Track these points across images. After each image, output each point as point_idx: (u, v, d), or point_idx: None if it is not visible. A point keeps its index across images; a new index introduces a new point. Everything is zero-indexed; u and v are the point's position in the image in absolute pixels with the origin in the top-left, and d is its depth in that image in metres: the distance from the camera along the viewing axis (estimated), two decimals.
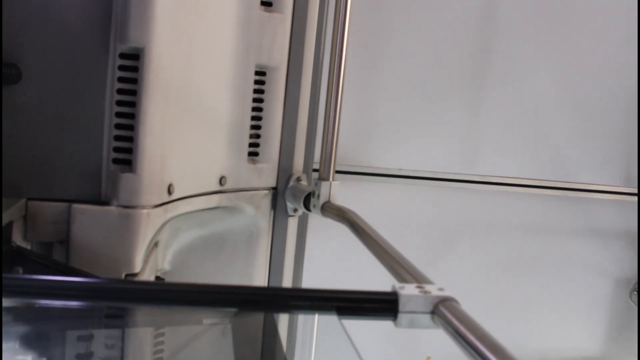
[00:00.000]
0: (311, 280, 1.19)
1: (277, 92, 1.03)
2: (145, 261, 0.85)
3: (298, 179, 1.07)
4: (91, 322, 0.73)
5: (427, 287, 0.52)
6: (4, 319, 0.61)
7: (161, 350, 0.73)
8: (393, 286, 0.52)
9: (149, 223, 0.82)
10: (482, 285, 1.55)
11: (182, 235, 0.99)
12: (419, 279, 0.58)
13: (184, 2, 0.83)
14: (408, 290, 0.51)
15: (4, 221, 0.70)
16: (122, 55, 0.79)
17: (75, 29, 0.79)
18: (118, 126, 0.81)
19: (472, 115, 1.48)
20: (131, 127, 0.80)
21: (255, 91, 1.00)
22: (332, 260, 1.40)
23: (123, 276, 0.81)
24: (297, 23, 1.03)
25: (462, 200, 1.51)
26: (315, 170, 1.08)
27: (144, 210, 0.81)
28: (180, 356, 0.76)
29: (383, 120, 1.43)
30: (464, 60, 1.45)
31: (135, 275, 0.82)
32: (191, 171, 0.91)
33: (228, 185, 0.99)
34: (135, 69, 0.79)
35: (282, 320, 0.80)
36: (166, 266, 0.99)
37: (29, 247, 0.79)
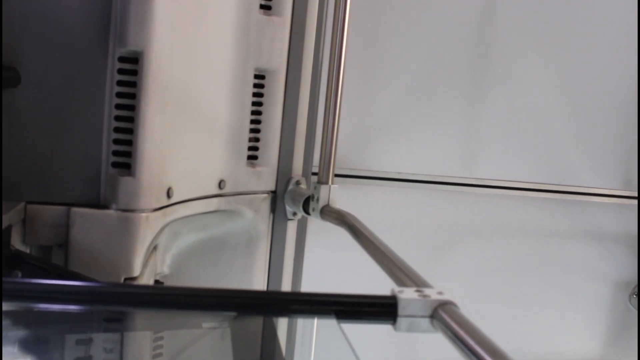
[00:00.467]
0: (310, 284, 1.19)
1: (276, 96, 1.03)
2: (145, 265, 0.85)
3: (297, 183, 1.07)
4: (90, 326, 0.73)
5: (426, 291, 0.52)
6: (3, 323, 0.61)
7: (160, 354, 0.73)
8: (392, 290, 0.52)
9: (148, 227, 0.82)
10: (482, 288, 1.55)
11: (181, 239, 0.99)
12: (418, 283, 0.58)
13: (183, 5, 0.83)
14: (407, 294, 0.51)
15: (3, 225, 0.70)
16: (121, 59, 0.79)
17: (74, 33, 0.79)
18: (117, 130, 0.81)
19: (470, 119, 1.48)
20: (130, 131, 0.80)
21: (255, 94, 1.00)
22: (331, 264, 1.40)
23: (122, 280, 0.81)
24: (296, 26, 1.03)
25: (461, 203, 1.51)
26: (314, 173, 1.08)
27: (143, 214, 0.81)
28: None
29: (382, 123, 1.43)
30: (463, 63, 1.45)
31: (134, 279, 0.82)
32: (190, 175, 0.91)
33: (227, 189, 0.99)
34: (134, 73, 0.79)
35: (282, 324, 0.80)
36: (165, 270, 0.99)
37: (27, 251, 0.79)
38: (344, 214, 0.91)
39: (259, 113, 1.02)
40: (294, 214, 1.09)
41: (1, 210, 0.71)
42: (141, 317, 0.77)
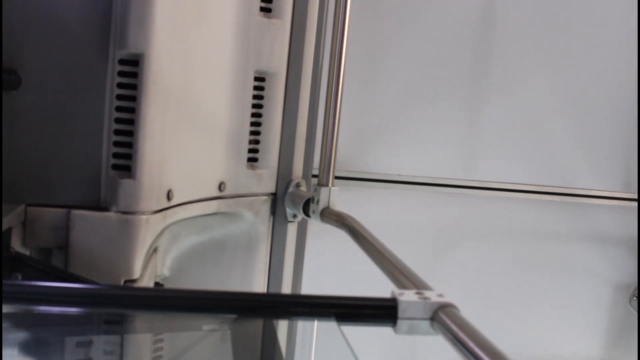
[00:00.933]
0: (310, 286, 1.19)
1: (276, 98, 1.03)
2: (145, 267, 0.85)
3: (297, 185, 1.07)
4: (90, 328, 0.73)
5: (427, 293, 0.52)
6: (3, 325, 0.61)
7: (160, 357, 0.73)
8: (392, 292, 0.52)
9: (148, 229, 0.82)
10: (482, 290, 1.55)
11: (181, 241, 0.99)
12: (418, 285, 0.58)
13: (183, 8, 0.83)
14: (407, 296, 0.51)
15: (3, 227, 0.70)
16: (122, 61, 0.80)
17: (74, 35, 0.79)
18: (117, 132, 0.81)
19: (471, 121, 1.48)
20: (130, 133, 0.80)
21: (255, 97, 1.00)
22: (331, 266, 1.40)
23: (122, 282, 0.81)
24: (296, 29, 1.03)
25: (461, 205, 1.51)
26: (314, 176, 1.08)
27: (143, 216, 0.81)
28: None
29: (382, 125, 1.43)
30: (463, 66, 1.45)
31: (134, 281, 0.82)
32: (190, 177, 0.91)
33: (227, 191, 0.99)
34: (134, 75, 0.80)
35: (282, 326, 0.80)
36: (165, 272, 0.99)
37: (27, 253, 0.79)
38: (344, 216, 0.91)
39: (259, 115, 1.02)
40: (294, 216, 1.09)
41: (1, 213, 0.71)
42: (141, 320, 0.77)
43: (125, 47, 0.79)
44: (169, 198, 0.86)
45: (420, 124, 1.45)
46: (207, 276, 1.04)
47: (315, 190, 1.01)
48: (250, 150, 1.02)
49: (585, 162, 1.56)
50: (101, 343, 0.73)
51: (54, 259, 0.81)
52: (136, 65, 0.79)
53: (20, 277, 0.72)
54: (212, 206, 0.97)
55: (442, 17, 1.42)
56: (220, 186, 0.97)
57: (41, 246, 0.81)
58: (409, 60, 1.42)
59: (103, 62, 0.79)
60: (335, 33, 1.01)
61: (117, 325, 0.77)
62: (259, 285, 1.08)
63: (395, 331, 0.51)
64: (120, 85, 0.80)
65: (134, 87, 0.80)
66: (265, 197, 1.05)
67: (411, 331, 0.51)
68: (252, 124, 1.01)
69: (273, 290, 1.09)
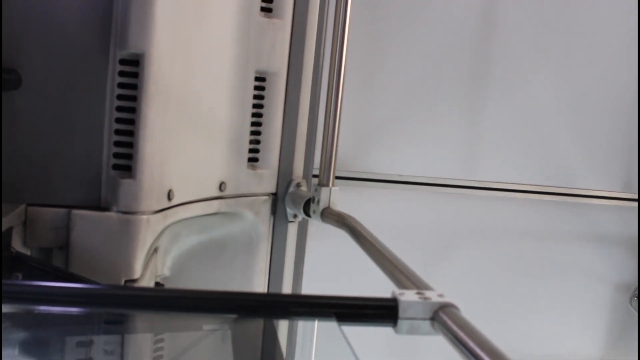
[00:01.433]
0: (311, 286, 1.19)
1: (276, 98, 1.03)
2: (145, 267, 0.85)
3: (298, 185, 1.07)
4: (90, 328, 0.73)
5: (427, 293, 0.52)
6: (3, 325, 0.61)
7: (161, 357, 0.73)
8: (393, 292, 0.52)
9: (148, 229, 0.82)
10: (482, 291, 1.55)
11: (181, 241, 0.99)
12: (419, 285, 0.58)
13: (183, 8, 0.83)
14: (408, 296, 0.51)
15: (4, 227, 0.70)
16: (122, 61, 0.80)
17: (75, 35, 0.79)
18: (118, 132, 0.81)
19: (471, 121, 1.48)
20: (131, 133, 0.80)
21: (255, 97, 1.00)
22: (331, 266, 1.40)
23: (123, 282, 0.81)
24: (296, 29, 1.03)
25: (461, 206, 1.51)
26: (315, 176, 1.08)
27: (144, 216, 0.81)
28: None
29: (383, 126, 1.43)
30: (464, 66, 1.45)
31: (134, 281, 0.82)
32: (191, 177, 0.91)
33: (228, 191, 0.99)
34: (135, 75, 0.80)
35: (282, 326, 0.80)
36: (166, 272, 0.99)
37: (28, 253, 0.79)
38: (345, 216, 0.91)
39: (259, 115, 1.02)
40: (295, 216, 1.09)
41: (2, 213, 0.71)
42: (142, 319, 0.77)
43: (125, 47, 0.79)
44: (169, 198, 0.86)
45: (421, 124, 1.45)
46: (207, 276, 1.04)
47: (316, 190, 1.01)
48: (251, 150, 1.02)
49: (585, 162, 1.56)
50: (102, 343, 0.73)
51: (55, 258, 0.81)
52: (137, 65, 0.79)
53: (20, 276, 0.72)
54: (213, 206, 0.97)
55: (442, 17, 1.42)
56: (221, 186, 0.97)
57: (42, 246, 0.81)
58: (410, 60, 1.42)
59: (103, 62, 0.79)
60: (336, 33, 1.01)
61: (117, 325, 0.77)
62: (259, 285, 1.08)
63: (396, 331, 0.51)
64: (120, 85, 0.80)
65: (134, 87, 0.80)
66: (266, 197, 1.05)
67: (412, 331, 0.51)
68: (253, 123, 1.01)
69: (273, 290, 1.09)
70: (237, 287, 1.06)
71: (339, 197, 1.01)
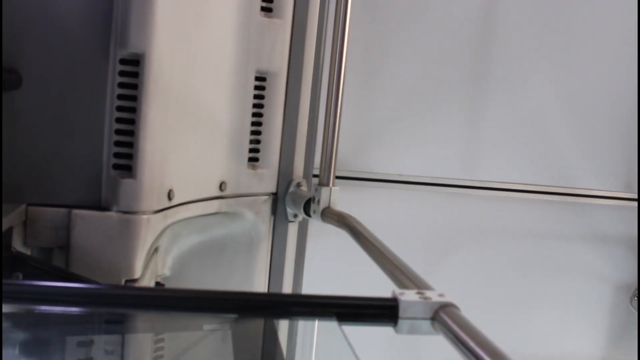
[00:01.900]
0: (311, 285, 1.19)
1: (277, 98, 1.03)
2: (145, 267, 0.85)
3: (298, 185, 1.07)
4: (91, 328, 0.73)
5: (427, 293, 0.52)
6: (3, 325, 0.61)
7: (161, 356, 0.73)
8: (393, 292, 0.52)
9: (149, 229, 0.82)
10: (483, 290, 1.55)
11: (182, 241, 0.99)
12: (419, 285, 0.58)
13: (184, 8, 0.83)
14: (408, 296, 0.51)
15: (4, 227, 0.70)
16: (123, 61, 0.80)
17: (75, 35, 0.79)
18: (118, 132, 0.81)
19: (472, 121, 1.48)
20: (131, 133, 0.80)
21: (255, 97, 1.00)
22: (332, 265, 1.40)
23: (123, 282, 0.81)
24: (297, 28, 1.03)
25: (462, 205, 1.51)
26: (315, 175, 1.08)
27: (144, 216, 0.81)
28: None
29: (383, 125, 1.43)
30: (464, 66, 1.45)
31: (135, 281, 0.82)
32: (191, 177, 0.91)
33: (228, 191, 0.99)
34: (135, 75, 0.80)
35: (282, 326, 0.80)
36: (166, 272, 0.99)
37: (28, 253, 0.79)
38: (345, 216, 0.91)
39: (260, 115, 1.02)
40: (295, 216, 1.09)
41: (2, 212, 0.71)
42: (142, 319, 0.77)
43: (126, 47, 0.79)
44: (169, 198, 0.86)
45: (421, 123, 1.45)
46: (207, 276, 1.04)
47: (316, 190, 1.01)
48: (251, 150, 1.02)
49: (586, 162, 1.56)
50: (102, 343, 0.73)
51: (55, 258, 0.81)
52: (137, 64, 0.79)
53: (21, 276, 0.72)
54: (213, 206, 0.97)
55: (442, 17, 1.42)
56: (221, 186, 0.97)
57: (42, 246, 0.81)
58: (410, 60, 1.42)
59: (104, 62, 0.79)
60: (336, 33, 1.01)
61: (118, 325, 0.77)
62: (259, 285, 1.08)
63: (396, 331, 0.51)
64: (121, 85, 0.80)
65: (134, 86, 0.80)
66: (266, 197, 1.05)
67: (412, 331, 0.51)
68: (253, 123, 1.01)
69: (274, 290, 1.09)
70: (237, 287, 1.06)
71: (339, 197, 1.01)
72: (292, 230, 1.11)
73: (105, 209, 0.81)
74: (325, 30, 1.09)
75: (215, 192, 0.97)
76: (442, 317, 0.49)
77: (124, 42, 0.78)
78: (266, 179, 1.04)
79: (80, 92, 0.80)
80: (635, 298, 1.64)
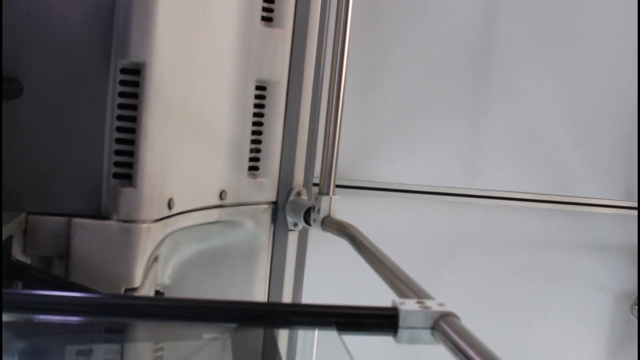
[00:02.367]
0: (311, 295, 1.19)
1: (277, 107, 1.03)
2: (145, 276, 0.85)
3: (298, 194, 1.07)
4: (90, 337, 0.73)
5: (428, 303, 0.52)
6: (3, 334, 0.61)
7: None
8: (393, 301, 0.52)
9: (149, 237, 0.82)
10: (483, 299, 1.55)
11: (182, 250, 0.99)
12: (420, 294, 0.58)
13: (184, 17, 0.84)
14: (408, 305, 0.51)
15: (4, 235, 0.70)
16: (123, 70, 0.80)
17: (76, 44, 0.79)
18: (118, 141, 0.81)
19: (472, 130, 1.48)
20: (132, 142, 0.81)
21: (256, 106, 1.00)
22: (332, 275, 1.39)
23: (123, 291, 0.81)
24: (297, 38, 1.03)
25: (462, 214, 1.51)
26: (315, 184, 1.08)
27: (144, 225, 0.81)
28: None
29: (383, 134, 1.43)
30: (464, 74, 1.46)
31: (135, 289, 0.82)
32: (191, 185, 0.91)
33: (228, 200, 0.99)
34: (136, 84, 0.80)
35: (282, 335, 0.80)
36: (166, 280, 0.99)
37: (28, 262, 0.79)
38: (345, 225, 0.91)
39: (260, 124, 1.02)
40: (295, 224, 1.09)
41: (2, 221, 0.71)
42: (142, 328, 0.77)
43: (126, 56, 0.79)
44: (169, 206, 0.86)
45: (421, 132, 1.45)
46: (207, 285, 1.04)
47: (316, 198, 1.01)
48: (251, 159, 1.02)
49: (586, 170, 1.56)
50: (102, 352, 0.73)
51: (55, 267, 0.81)
52: (138, 74, 0.80)
53: (20, 285, 0.72)
54: (213, 215, 0.97)
55: (443, 25, 1.42)
56: (221, 195, 0.97)
57: (42, 254, 0.81)
58: (410, 69, 1.42)
59: (104, 71, 0.80)
60: (336, 42, 1.01)
61: (117, 334, 0.76)
62: (259, 294, 1.08)
63: (396, 340, 0.51)
64: (121, 94, 0.80)
65: (135, 96, 0.80)
66: (266, 206, 1.05)
67: (412, 340, 0.51)
68: (253, 132, 1.01)
69: (274, 299, 1.09)
70: (237, 296, 1.06)
71: (340, 206, 1.01)
72: (292, 239, 1.11)
73: (106, 217, 0.81)
74: (326, 40, 1.10)
75: (216, 201, 0.97)
76: (443, 326, 0.49)
77: (124, 52, 0.79)
78: (266, 188, 1.04)
79: (81, 101, 0.80)
80: (636, 307, 1.63)
